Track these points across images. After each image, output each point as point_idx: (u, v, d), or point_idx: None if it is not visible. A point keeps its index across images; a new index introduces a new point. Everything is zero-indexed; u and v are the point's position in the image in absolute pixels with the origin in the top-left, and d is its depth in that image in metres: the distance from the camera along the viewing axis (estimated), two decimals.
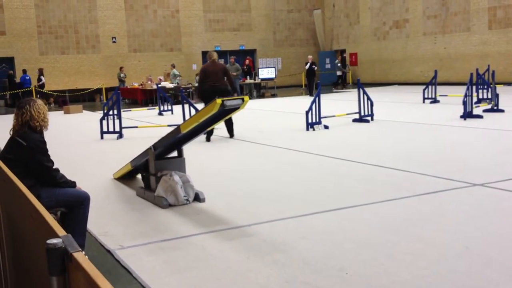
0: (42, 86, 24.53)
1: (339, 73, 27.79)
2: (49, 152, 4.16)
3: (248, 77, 26.25)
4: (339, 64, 27.68)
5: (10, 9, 25.85)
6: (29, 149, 3.99)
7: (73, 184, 4.23)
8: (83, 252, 1.30)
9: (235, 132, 10.89)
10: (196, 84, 24.17)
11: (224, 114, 5.37)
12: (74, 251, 1.24)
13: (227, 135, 11.02)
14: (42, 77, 24.72)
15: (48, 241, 1.29)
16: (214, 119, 5.49)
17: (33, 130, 4.05)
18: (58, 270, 1.29)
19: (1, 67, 26.45)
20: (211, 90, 10.08)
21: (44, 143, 4.11)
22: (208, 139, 10.27)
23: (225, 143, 10.15)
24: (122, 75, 25.44)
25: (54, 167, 4.15)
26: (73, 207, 4.12)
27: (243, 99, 5.07)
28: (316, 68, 23.10)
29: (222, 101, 4.87)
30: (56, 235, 1.40)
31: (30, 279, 1.99)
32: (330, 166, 7.45)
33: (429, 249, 3.96)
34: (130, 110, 18.56)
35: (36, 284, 1.80)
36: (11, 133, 4.14)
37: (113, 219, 5.26)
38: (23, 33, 26.15)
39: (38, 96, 22.32)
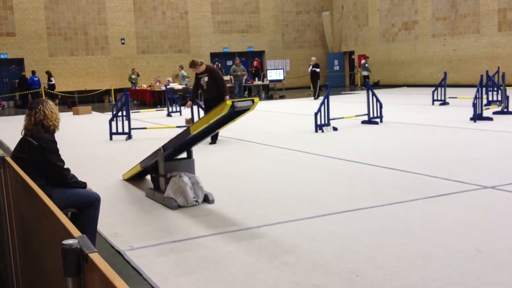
0: (52, 87, 24.67)
1: (365, 73, 27.45)
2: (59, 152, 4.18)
3: (256, 78, 26.27)
4: (366, 65, 27.45)
5: (20, 10, 26.01)
6: (40, 148, 4.00)
7: (83, 185, 4.24)
8: None
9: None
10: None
11: (234, 115, 5.37)
12: (90, 252, 1.24)
13: (236, 136, 11.01)
14: (52, 78, 24.86)
15: (64, 242, 1.29)
16: (223, 121, 5.49)
17: (46, 129, 4.06)
18: (73, 271, 1.29)
19: (11, 68, 26.62)
20: None
21: (55, 142, 4.13)
22: (214, 142, 10.16)
23: (233, 144, 10.15)
24: (133, 76, 25.49)
25: (65, 167, 4.16)
26: (84, 207, 4.13)
27: (253, 101, 5.07)
28: (319, 70, 22.86)
29: (233, 102, 4.87)
30: (70, 236, 1.40)
31: (44, 280, 1.99)
32: (339, 168, 7.43)
33: (440, 252, 3.93)
34: (139, 112, 18.61)
35: (50, 284, 1.80)
36: (23, 133, 4.16)
37: (122, 220, 5.27)
38: (33, 35, 26.31)
39: (46, 97, 22.45)
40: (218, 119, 5.18)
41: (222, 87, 10.07)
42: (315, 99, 21.53)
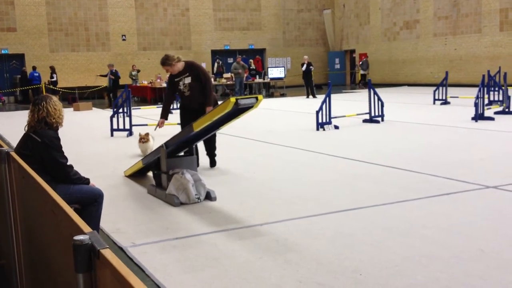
0: (54, 83, 24.64)
1: (362, 72, 27.60)
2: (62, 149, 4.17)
3: (257, 76, 26.25)
4: (362, 63, 27.52)
5: (21, 5, 25.98)
6: (43, 145, 3.99)
7: (87, 181, 4.23)
8: None
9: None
10: None
11: (238, 113, 5.36)
12: (102, 248, 1.23)
13: (237, 134, 10.98)
14: (54, 75, 24.84)
15: (75, 238, 1.28)
16: (226, 118, 5.48)
17: (49, 126, 4.05)
18: (85, 267, 1.28)
19: (11, 63, 26.59)
20: None
21: (58, 139, 4.12)
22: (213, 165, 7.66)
23: (235, 142, 10.13)
24: (134, 72, 25.42)
25: (68, 163, 4.15)
26: (87, 204, 4.13)
27: (257, 98, 5.05)
28: (313, 68, 22.76)
29: (236, 99, 4.86)
30: (80, 231, 1.39)
31: (51, 275, 1.98)
32: (342, 166, 7.42)
33: (444, 252, 3.93)
34: (140, 108, 18.59)
35: (58, 280, 1.79)
36: (26, 129, 4.15)
37: (124, 217, 5.26)
38: (33, 30, 26.28)
39: (47, 92, 22.42)
40: (221, 116, 5.17)
41: (207, 92, 6.99)
42: (314, 97, 21.52)
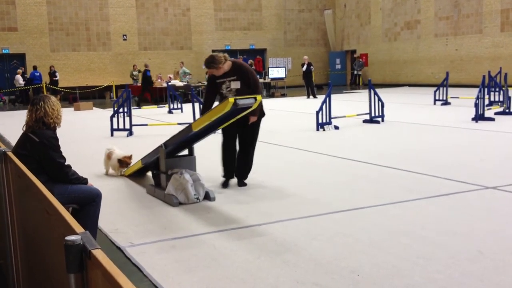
0: (56, 82, 24.64)
1: (356, 72, 27.80)
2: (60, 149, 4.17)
3: (258, 76, 26.24)
4: (356, 63, 27.68)
5: (22, 5, 26.00)
6: (41, 145, 3.99)
7: (85, 181, 4.23)
8: None
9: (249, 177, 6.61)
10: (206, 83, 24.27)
11: (236, 113, 5.35)
12: (93, 248, 1.23)
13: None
14: (57, 73, 24.87)
15: (67, 238, 1.28)
16: (225, 118, 5.47)
17: (47, 126, 4.05)
18: (76, 267, 1.28)
19: (12, 63, 26.60)
20: None
21: (57, 139, 4.12)
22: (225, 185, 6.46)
23: None
24: (135, 72, 25.41)
25: (66, 163, 4.15)
26: (85, 203, 4.13)
27: (255, 98, 5.05)
28: (313, 69, 22.77)
29: (235, 100, 4.86)
30: (72, 232, 1.39)
31: (46, 275, 1.98)
32: (341, 166, 7.41)
33: (442, 253, 3.92)
34: (140, 108, 18.61)
35: (53, 280, 1.79)
36: (24, 129, 4.15)
37: (123, 216, 5.26)
38: (34, 30, 26.30)
39: (48, 92, 22.44)
40: (220, 116, 5.17)
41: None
42: (314, 97, 21.53)
